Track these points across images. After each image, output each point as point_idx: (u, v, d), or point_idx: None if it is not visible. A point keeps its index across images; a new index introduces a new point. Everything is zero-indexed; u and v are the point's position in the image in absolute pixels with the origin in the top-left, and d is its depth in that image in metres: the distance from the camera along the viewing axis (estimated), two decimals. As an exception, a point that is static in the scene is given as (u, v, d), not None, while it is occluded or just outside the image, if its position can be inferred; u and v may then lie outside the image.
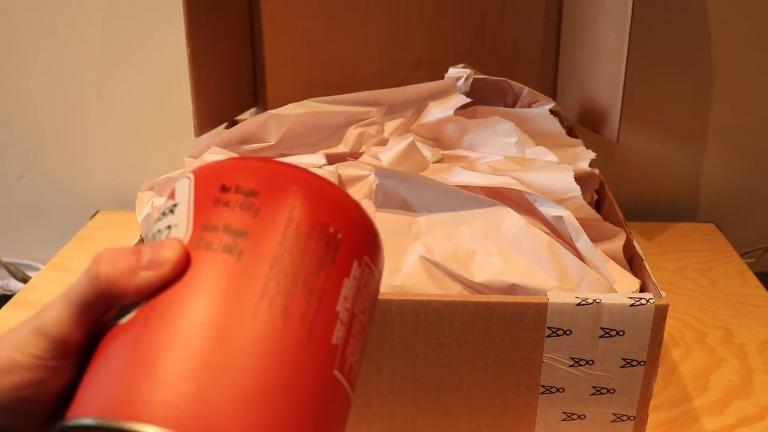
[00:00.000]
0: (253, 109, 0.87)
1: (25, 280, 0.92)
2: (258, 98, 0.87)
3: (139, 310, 0.26)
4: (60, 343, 0.26)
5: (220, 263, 0.26)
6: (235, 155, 0.66)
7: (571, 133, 0.72)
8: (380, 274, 0.31)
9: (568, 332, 0.45)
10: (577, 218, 0.52)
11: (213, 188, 0.28)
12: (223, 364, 0.24)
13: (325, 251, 0.28)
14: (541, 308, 0.44)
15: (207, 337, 0.25)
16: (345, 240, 0.29)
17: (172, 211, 0.29)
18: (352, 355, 0.28)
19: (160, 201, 0.60)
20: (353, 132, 0.67)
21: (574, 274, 0.49)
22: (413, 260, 0.50)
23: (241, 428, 0.24)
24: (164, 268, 0.26)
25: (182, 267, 0.26)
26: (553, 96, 0.86)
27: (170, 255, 0.26)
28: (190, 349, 0.24)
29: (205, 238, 0.27)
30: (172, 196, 0.30)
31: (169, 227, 0.28)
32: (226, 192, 0.28)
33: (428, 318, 0.45)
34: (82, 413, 0.24)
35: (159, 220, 0.29)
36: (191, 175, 0.30)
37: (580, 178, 0.57)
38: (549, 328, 0.45)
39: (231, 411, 0.24)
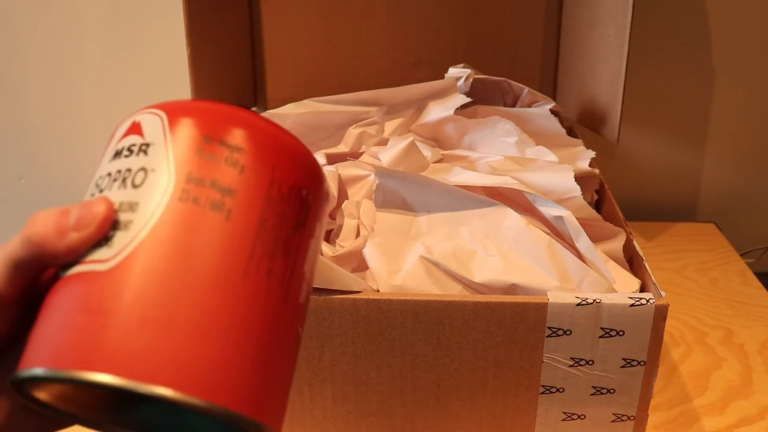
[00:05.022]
0: (253, 109, 0.87)
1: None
2: (258, 98, 0.87)
3: (120, 258, 0.25)
4: None
5: (210, 221, 0.26)
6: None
7: (571, 133, 0.72)
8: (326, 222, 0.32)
9: (568, 332, 0.45)
10: (577, 218, 0.52)
11: (195, 137, 0.27)
12: (206, 324, 0.24)
13: (299, 214, 0.28)
14: (541, 308, 0.44)
15: (195, 297, 0.24)
16: (313, 202, 0.29)
17: (144, 151, 0.27)
18: (307, 308, 0.29)
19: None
20: (353, 132, 0.67)
21: (574, 274, 0.49)
22: (413, 260, 0.50)
23: (220, 388, 0.24)
24: (90, 228, 0.25)
25: (108, 226, 0.25)
26: (553, 96, 0.86)
27: (96, 213, 0.25)
28: (175, 307, 0.24)
29: (191, 190, 0.26)
30: (137, 131, 0.28)
31: (144, 170, 0.26)
32: (210, 143, 0.27)
33: (428, 318, 0.45)
34: (33, 363, 0.24)
35: (125, 156, 0.27)
36: (162, 114, 0.28)
37: (580, 178, 0.56)
38: (549, 328, 0.45)
39: (212, 370, 0.24)
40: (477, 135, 0.67)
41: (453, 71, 0.71)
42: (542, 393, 0.47)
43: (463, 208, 0.54)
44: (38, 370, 0.24)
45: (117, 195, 0.26)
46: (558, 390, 0.47)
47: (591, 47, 0.74)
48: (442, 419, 0.49)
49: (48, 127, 0.97)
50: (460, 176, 0.57)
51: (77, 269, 0.25)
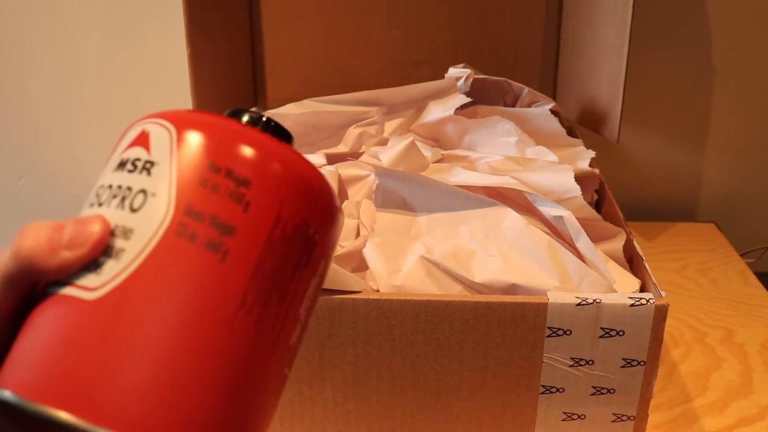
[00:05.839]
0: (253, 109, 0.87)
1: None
2: (258, 98, 0.87)
3: (106, 290, 0.24)
4: None
5: (202, 262, 0.24)
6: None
7: (571, 133, 0.72)
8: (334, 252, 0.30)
9: (568, 332, 0.45)
10: (577, 218, 0.52)
11: (201, 163, 0.25)
12: (185, 373, 0.23)
13: (302, 254, 0.26)
14: (541, 308, 0.44)
15: (174, 344, 0.23)
16: (320, 240, 0.27)
17: (147, 170, 0.26)
18: (299, 347, 0.28)
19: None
20: (353, 132, 0.67)
21: (574, 274, 0.49)
22: (413, 260, 0.50)
23: None
24: (83, 248, 0.24)
25: (102, 249, 0.24)
26: (553, 96, 0.86)
27: (92, 234, 0.25)
28: (149, 351, 0.23)
29: (188, 225, 0.24)
30: (144, 143, 0.26)
31: (144, 192, 0.25)
32: (216, 173, 0.25)
33: (428, 318, 0.45)
34: (3, 384, 0.23)
35: (128, 171, 0.26)
36: (172, 128, 0.26)
37: (580, 178, 0.57)
38: (549, 328, 0.45)
39: (186, 419, 0.23)
40: (477, 135, 0.67)
41: (453, 71, 0.71)
42: (542, 393, 0.47)
43: (463, 208, 0.54)
44: (6, 394, 0.23)
45: (114, 215, 0.25)
46: (558, 390, 0.47)
47: (591, 47, 0.74)
48: (442, 419, 0.49)
49: (48, 127, 0.97)
50: (460, 176, 0.57)
51: (64, 291, 0.25)
